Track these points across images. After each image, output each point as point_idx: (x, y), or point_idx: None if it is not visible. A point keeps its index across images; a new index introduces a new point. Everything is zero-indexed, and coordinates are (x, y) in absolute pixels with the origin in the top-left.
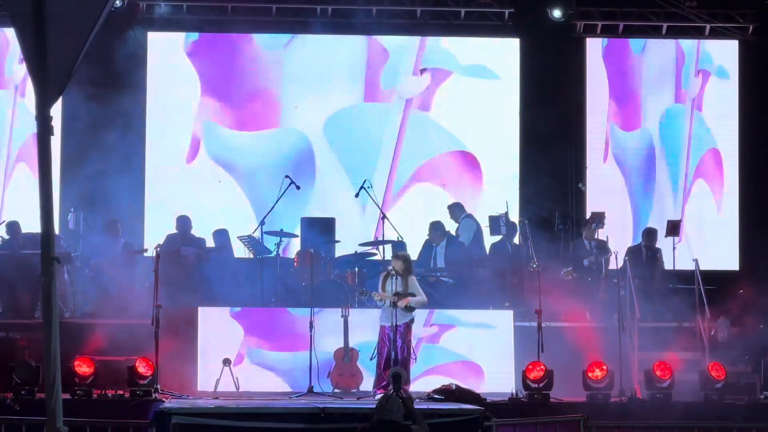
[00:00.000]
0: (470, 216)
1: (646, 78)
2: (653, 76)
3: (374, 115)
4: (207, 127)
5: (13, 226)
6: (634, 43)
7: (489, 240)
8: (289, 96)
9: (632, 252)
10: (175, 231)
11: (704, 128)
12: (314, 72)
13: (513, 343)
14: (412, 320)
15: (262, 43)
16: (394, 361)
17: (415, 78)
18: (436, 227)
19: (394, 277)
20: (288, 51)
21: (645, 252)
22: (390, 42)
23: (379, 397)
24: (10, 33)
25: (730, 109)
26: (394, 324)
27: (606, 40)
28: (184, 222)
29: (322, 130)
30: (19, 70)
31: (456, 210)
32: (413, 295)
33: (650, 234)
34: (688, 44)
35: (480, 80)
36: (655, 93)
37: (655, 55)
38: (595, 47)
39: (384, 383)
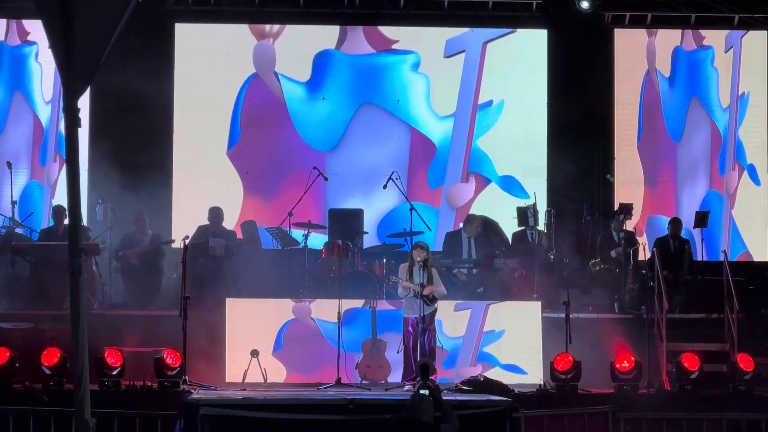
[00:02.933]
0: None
1: (681, 167)
2: (689, 166)
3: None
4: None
5: (59, 211)
6: (672, 134)
7: (509, 231)
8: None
9: (660, 243)
10: (206, 222)
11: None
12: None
13: (541, 334)
14: (435, 310)
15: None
16: (422, 353)
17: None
18: (472, 219)
19: (422, 268)
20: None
21: (673, 243)
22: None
23: (408, 388)
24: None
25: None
26: (422, 315)
27: (639, 133)
28: (216, 214)
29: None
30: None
31: (474, 220)
32: (435, 285)
33: (675, 223)
34: (723, 126)
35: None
36: (690, 182)
37: (691, 144)
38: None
39: (413, 375)
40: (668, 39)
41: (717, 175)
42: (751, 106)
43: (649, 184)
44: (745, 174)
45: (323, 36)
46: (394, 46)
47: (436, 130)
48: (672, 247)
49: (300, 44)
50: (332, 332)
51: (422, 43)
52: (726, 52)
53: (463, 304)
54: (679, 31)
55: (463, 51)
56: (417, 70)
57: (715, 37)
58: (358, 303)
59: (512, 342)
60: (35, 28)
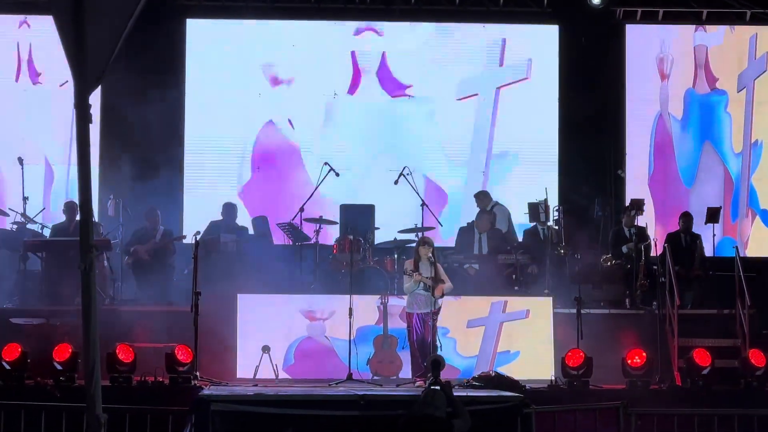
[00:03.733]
0: (500, 203)
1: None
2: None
3: None
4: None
5: (71, 207)
6: (685, 179)
7: (520, 226)
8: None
9: (672, 238)
10: (219, 218)
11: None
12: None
13: (552, 329)
14: (440, 307)
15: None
16: (427, 347)
17: None
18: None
19: (431, 264)
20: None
21: (684, 238)
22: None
23: (418, 384)
24: None
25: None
26: (432, 309)
27: (650, 170)
28: (230, 210)
29: None
30: None
31: (484, 198)
32: (443, 281)
33: (686, 217)
34: (736, 172)
35: None
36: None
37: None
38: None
39: (422, 370)
40: (681, 82)
41: (729, 221)
42: (766, 152)
43: (662, 226)
44: (758, 219)
45: (337, 81)
46: (408, 92)
47: (448, 178)
48: (683, 242)
49: (313, 90)
50: (346, 350)
51: (434, 85)
52: (739, 92)
53: (476, 321)
54: (692, 73)
55: (476, 94)
56: (432, 119)
57: (727, 80)
58: (372, 319)
59: (526, 362)
60: (46, 68)
